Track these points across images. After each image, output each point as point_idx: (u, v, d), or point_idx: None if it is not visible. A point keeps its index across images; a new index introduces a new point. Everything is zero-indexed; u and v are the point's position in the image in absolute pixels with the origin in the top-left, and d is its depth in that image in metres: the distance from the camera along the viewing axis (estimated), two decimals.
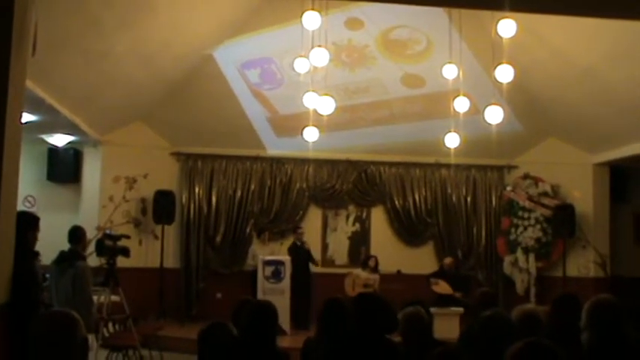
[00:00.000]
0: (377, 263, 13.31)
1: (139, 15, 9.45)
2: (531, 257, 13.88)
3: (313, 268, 13.53)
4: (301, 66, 9.81)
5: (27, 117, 10.30)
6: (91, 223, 12.33)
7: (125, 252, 9.15)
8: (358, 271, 13.29)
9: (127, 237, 9.79)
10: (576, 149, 14.09)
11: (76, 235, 7.68)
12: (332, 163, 14.54)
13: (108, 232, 10.49)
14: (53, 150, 13.47)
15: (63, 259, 7.50)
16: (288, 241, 13.82)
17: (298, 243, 13.46)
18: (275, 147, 14.32)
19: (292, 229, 13.94)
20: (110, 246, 9.00)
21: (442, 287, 12.65)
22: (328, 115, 9.88)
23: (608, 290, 12.70)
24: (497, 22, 8.48)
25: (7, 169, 5.24)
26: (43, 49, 5.95)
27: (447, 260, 13.58)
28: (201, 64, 12.43)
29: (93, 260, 9.86)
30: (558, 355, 2.77)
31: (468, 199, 14.74)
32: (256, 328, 4.31)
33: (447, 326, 10.82)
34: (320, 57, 9.02)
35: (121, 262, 9.37)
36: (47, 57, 7.47)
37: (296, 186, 14.47)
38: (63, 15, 7.83)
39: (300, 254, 13.25)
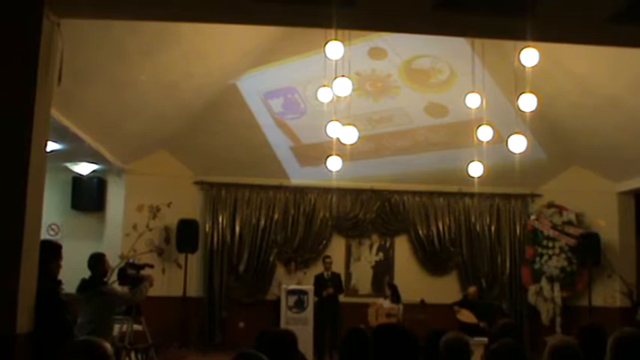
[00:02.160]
0: (394, 291, 13.18)
1: (162, 44, 9.53)
2: (556, 286, 13.74)
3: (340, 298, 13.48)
4: (324, 95, 9.84)
5: (52, 145, 10.41)
6: (114, 252, 12.37)
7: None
8: (382, 301, 13.22)
9: (151, 266, 9.79)
10: (600, 177, 13.99)
11: (93, 262, 7.69)
12: (355, 193, 14.52)
13: (131, 261, 10.50)
14: (77, 178, 13.58)
15: (85, 287, 7.51)
16: (312, 271, 13.81)
17: (326, 273, 13.42)
18: (298, 176, 14.33)
19: (322, 258, 13.90)
20: (133, 275, 8.98)
21: (466, 316, 12.55)
22: (351, 145, 9.88)
23: (635, 320, 12.56)
24: (519, 52, 8.46)
25: (31, 197, 5.28)
26: (68, 78, 6.02)
27: (471, 289, 13.48)
28: (225, 94, 12.50)
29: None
30: None
31: (492, 228, 14.65)
32: (275, 356, 4.27)
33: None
34: (343, 86, 9.04)
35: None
36: (72, 86, 7.55)
37: (319, 215, 14.45)
38: (88, 44, 7.91)
39: (326, 284, 13.21)
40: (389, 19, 6.30)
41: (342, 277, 14.03)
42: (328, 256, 13.83)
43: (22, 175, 5.23)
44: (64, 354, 3.13)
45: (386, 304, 13.07)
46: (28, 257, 5.26)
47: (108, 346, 3.22)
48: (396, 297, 13.14)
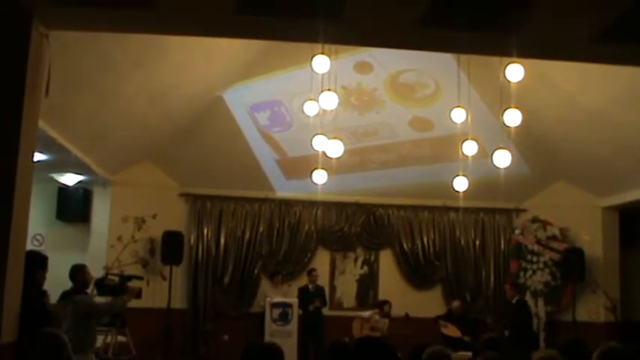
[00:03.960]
0: (390, 309, 13.21)
1: (150, 55, 9.55)
2: (540, 301, 13.78)
3: (323, 311, 13.50)
4: (311, 109, 9.88)
5: (38, 156, 10.36)
6: (99, 263, 12.35)
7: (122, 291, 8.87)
8: (369, 314, 13.22)
9: (140, 278, 9.73)
10: (585, 192, 14.06)
11: (73, 272, 7.71)
12: (341, 206, 14.54)
13: (117, 271, 10.47)
14: (63, 189, 13.54)
15: (64, 297, 7.54)
16: (297, 283, 13.83)
17: (310, 286, 13.45)
18: (284, 189, 14.34)
19: (307, 271, 13.92)
20: (113, 285, 8.89)
21: (451, 330, 12.58)
22: (337, 158, 9.92)
23: (619, 335, 12.62)
24: (505, 67, 8.54)
25: (18, 207, 5.30)
26: (55, 90, 6.04)
27: (455, 303, 13.54)
28: (211, 106, 12.53)
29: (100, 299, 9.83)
30: None
31: (477, 242, 14.69)
32: None
33: None
34: (329, 100, 9.08)
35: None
36: (59, 97, 7.55)
37: (304, 228, 14.45)
38: (76, 56, 7.92)
39: (311, 297, 13.23)
40: (375, 34, 6.36)
41: (327, 290, 14.06)
42: (314, 269, 13.85)
43: (9, 186, 5.25)
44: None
45: (375, 317, 13.08)
46: (13, 267, 5.27)
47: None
48: (385, 314, 13.13)
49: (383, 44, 7.75)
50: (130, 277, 9.17)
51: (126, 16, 5.88)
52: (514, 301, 12.34)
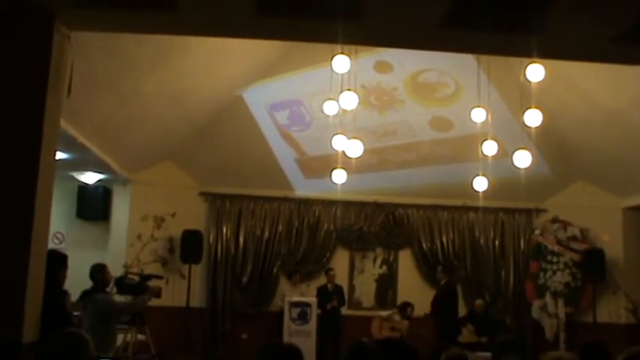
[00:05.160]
0: (413, 311, 13.20)
1: (169, 56, 9.59)
2: (560, 302, 13.70)
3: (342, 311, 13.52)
4: (330, 108, 9.90)
5: (59, 155, 10.42)
6: (118, 261, 12.41)
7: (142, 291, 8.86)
8: (388, 313, 13.22)
9: (160, 277, 9.76)
10: (605, 193, 13.96)
11: (93, 272, 7.75)
12: (360, 205, 14.53)
13: (136, 270, 10.50)
14: (83, 187, 13.61)
15: (84, 296, 7.59)
16: (316, 283, 13.84)
17: (329, 285, 13.47)
18: (303, 188, 14.35)
19: (324, 271, 13.93)
20: (132, 284, 8.92)
21: (465, 336, 12.56)
22: (356, 158, 9.93)
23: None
24: (525, 67, 8.52)
25: (39, 205, 5.33)
26: (76, 90, 6.08)
27: (479, 301, 13.53)
28: (231, 105, 12.56)
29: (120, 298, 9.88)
30: None
31: (496, 242, 14.64)
32: None
33: None
34: (349, 100, 9.11)
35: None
36: (80, 97, 7.59)
37: (324, 227, 14.46)
38: (97, 56, 7.96)
39: (329, 297, 13.25)
40: (396, 35, 6.34)
41: (346, 290, 14.06)
42: (331, 269, 13.86)
43: (31, 184, 5.29)
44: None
45: (394, 317, 13.07)
46: (35, 267, 5.30)
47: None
48: (406, 316, 13.12)
49: (403, 45, 7.73)
50: (149, 277, 9.21)
51: (147, 17, 5.91)
52: (442, 282, 12.51)
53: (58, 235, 13.45)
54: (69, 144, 9.77)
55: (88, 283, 7.76)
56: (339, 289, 13.63)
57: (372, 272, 14.61)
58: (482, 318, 13.10)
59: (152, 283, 9.05)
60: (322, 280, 13.85)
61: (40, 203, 5.36)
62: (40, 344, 5.26)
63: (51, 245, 9.97)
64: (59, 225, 13.24)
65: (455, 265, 13.77)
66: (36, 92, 5.40)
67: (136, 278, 9.09)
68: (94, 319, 7.38)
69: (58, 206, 12.49)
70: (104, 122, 10.27)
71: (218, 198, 14.28)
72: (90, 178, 12.96)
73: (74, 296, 7.63)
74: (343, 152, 9.93)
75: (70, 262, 6.40)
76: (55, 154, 5.88)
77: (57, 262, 6.02)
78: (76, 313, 7.66)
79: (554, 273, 13.84)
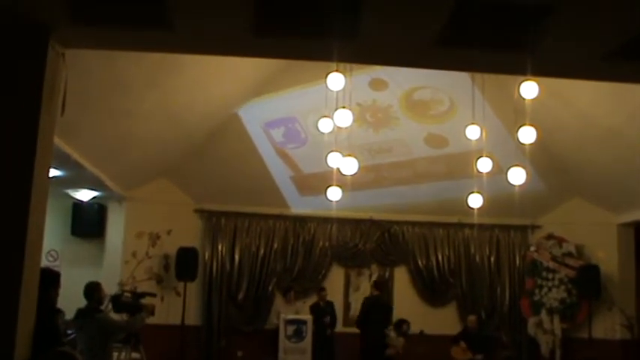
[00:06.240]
0: (409, 328, 13.17)
1: (165, 73, 9.59)
2: (556, 318, 13.69)
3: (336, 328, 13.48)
4: (325, 126, 9.89)
5: (53, 172, 10.41)
6: (113, 279, 12.40)
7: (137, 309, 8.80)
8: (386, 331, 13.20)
9: (154, 295, 9.72)
10: (600, 209, 13.97)
11: (89, 290, 7.68)
12: (355, 223, 14.53)
13: (129, 288, 10.45)
14: (78, 205, 13.57)
15: (81, 315, 7.52)
16: (311, 300, 13.81)
17: (321, 303, 13.45)
18: (298, 206, 14.35)
19: (317, 289, 13.90)
20: (128, 302, 8.88)
21: (460, 353, 12.54)
22: (352, 175, 9.92)
23: (635, 353, 12.53)
24: (519, 84, 8.51)
25: (33, 223, 5.32)
26: (70, 107, 6.07)
27: (471, 318, 13.52)
28: (226, 123, 12.57)
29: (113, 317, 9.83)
30: None
31: (492, 259, 14.64)
32: None
33: None
34: (344, 118, 9.10)
35: None
36: (75, 114, 7.58)
37: (319, 245, 14.45)
38: (92, 74, 7.97)
39: (323, 313, 13.22)
40: (391, 54, 6.37)
41: (341, 307, 14.09)
42: (323, 288, 13.86)
43: (24, 201, 5.27)
44: None
45: (390, 334, 13.03)
46: (28, 285, 5.28)
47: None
48: (402, 333, 13.08)
49: (398, 63, 7.75)
50: (143, 295, 9.17)
51: (143, 36, 5.91)
52: (372, 295, 12.91)
53: (53, 253, 13.40)
54: (63, 161, 9.76)
55: (82, 301, 7.69)
56: (330, 306, 13.58)
57: (367, 289, 14.55)
58: (475, 334, 13.09)
59: (146, 300, 9.01)
60: (316, 297, 13.81)
61: (34, 220, 5.34)
62: None
63: (45, 263, 10.01)
64: (53, 242, 13.20)
65: (385, 280, 13.88)
66: (30, 109, 5.39)
67: (129, 295, 9.04)
68: (94, 338, 7.30)
69: (53, 223, 12.48)
70: (99, 139, 10.26)
71: (213, 215, 14.27)
72: (85, 195, 12.94)
73: (68, 314, 7.58)
74: (338, 169, 9.91)
75: (65, 279, 6.38)
76: (48, 171, 5.86)
77: (50, 280, 5.99)
78: (69, 332, 7.64)
79: (549, 289, 13.84)
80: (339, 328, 13.66)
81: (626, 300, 13.80)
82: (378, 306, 12.63)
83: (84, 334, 7.38)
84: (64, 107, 5.86)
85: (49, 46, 5.53)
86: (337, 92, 9.12)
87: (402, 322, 13.25)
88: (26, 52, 5.46)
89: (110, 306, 8.63)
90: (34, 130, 5.39)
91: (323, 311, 13.33)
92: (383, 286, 13.37)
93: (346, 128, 9.78)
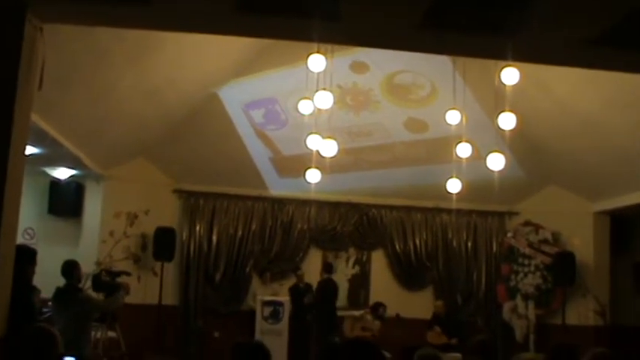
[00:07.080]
0: (385, 311, 13.23)
1: (146, 51, 9.52)
2: (531, 304, 13.79)
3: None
4: (305, 108, 9.88)
5: (30, 149, 10.32)
6: (90, 258, 12.33)
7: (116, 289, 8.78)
8: (360, 313, 13.25)
9: (128, 274, 9.71)
10: (577, 197, 14.07)
11: (68, 269, 7.62)
12: (333, 205, 14.54)
13: (108, 268, 10.43)
14: (55, 183, 13.43)
15: (61, 294, 7.47)
16: (289, 282, 13.82)
17: (301, 285, 13.46)
18: (277, 187, 14.32)
19: (293, 270, 13.91)
20: (107, 282, 8.90)
21: (435, 337, 12.63)
22: (331, 157, 9.92)
23: (608, 339, 12.66)
24: (500, 70, 8.55)
25: (9, 200, 5.26)
26: (49, 83, 6.00)
27: (438, 303, 13.68)
28: (206, 103, 12.50)
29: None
30: None
31: (469, 244, 14.70)
32: None
33: None
34: (324, 100, 9.10)
35: None
36: (53, 91, 7.52)
37: (297, 227, 14.44)
38: (71, 49, 7.88)
39: (302, 295, 13.24)
40: (373, 35, 6.35)
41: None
42: (299, 268, 13.88)
43: (0, 179, 5.21)
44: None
45: (366, 317, 13.09)
46: (3, 262, 5.24)
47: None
48: (379, 316, 13.13)
49: (379, 45, 7.72)
50: (119, 273, 9.17)
51: (121, 11, 5.85)
52: (322, 279, 13.33)
53: (29, 231, 13.28)
54: (40, 138, 9.66)
55: (58, 280, 7.65)
56: (309, 288, 13.60)
57: (344, 272, 14.59)
58: (446, 319, 13.18)
59: (121, 279, 9.01)
60: (294, 279, 13.82)
61: (9, 198, 5.29)
62: (7, 340, 5.20)
63: (21, 241, 9.92)
64: (30, 221, 13.07)
65: (331, 264, 13.94)
66: (6, 84, 5.32)
67: (106, 275, 9.04)
68: (74, 317, 7.25)
69: (30, 202, 12.40)
70: (77, 117, 10.16)
71: (192, 196, 14.22)
72: (62, 173, 12.85)
73: (44, 292, 7.53)
74: (318, 152, 9.92)
75: (41, 258, 6.35)
76: (25, 149, 5.80)
77: (26, 257, 5.96)
78: (45, 310, 7.60)
79: (525, 275, 13.94)
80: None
81: (600, 287, 13.92)
82: (329, 288, 12.79)
83: (64, 313, 7.32)
84: (42, 82, 5.80)
85: (26, 20, 5.45)
86: (318, 74, 9.11)
87: (379, 305, 13.32)
88: (2, 27, 5.38)
89: (88, 284, 8.62)
90: (10, 107, 5.33)
91: (302, 293, 13.33)
92: (330, 268, 13.59)
93: (326, 110, 9.78)
